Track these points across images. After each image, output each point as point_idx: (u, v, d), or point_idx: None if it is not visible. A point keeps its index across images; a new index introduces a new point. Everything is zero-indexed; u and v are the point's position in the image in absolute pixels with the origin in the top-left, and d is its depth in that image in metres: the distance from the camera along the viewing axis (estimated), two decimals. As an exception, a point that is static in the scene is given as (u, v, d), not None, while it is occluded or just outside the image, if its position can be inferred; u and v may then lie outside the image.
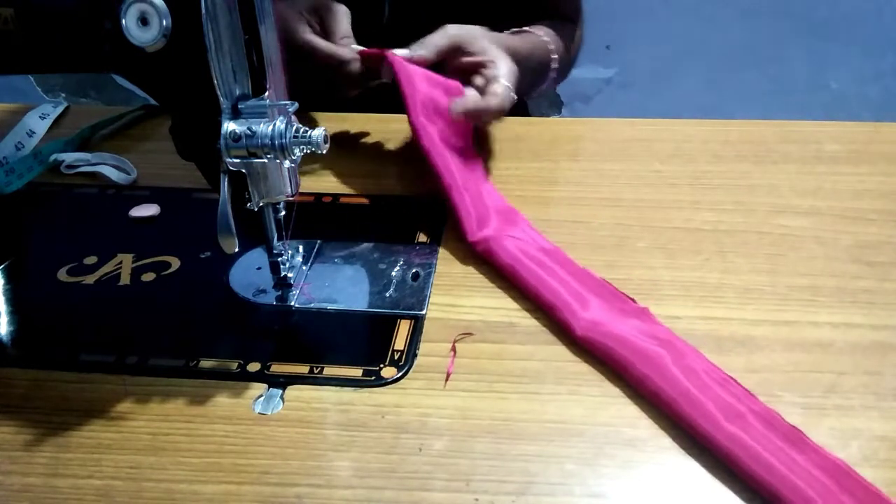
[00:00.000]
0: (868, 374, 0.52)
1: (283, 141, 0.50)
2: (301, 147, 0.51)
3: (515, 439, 0.48)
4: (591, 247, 0.63)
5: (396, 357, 0.54)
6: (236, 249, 0.52)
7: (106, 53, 0.50)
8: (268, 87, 0.52)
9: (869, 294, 0.58)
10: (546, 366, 0.53)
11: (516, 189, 0.70)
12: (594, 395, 0.51)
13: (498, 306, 0.58)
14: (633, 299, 0.57)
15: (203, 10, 0.47)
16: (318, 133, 0.51)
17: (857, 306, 0.57)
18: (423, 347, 0.55)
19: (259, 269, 0.62)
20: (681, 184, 0.71)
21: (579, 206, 0.68)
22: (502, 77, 0.69)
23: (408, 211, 0.68)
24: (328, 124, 0.72)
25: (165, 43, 0.48)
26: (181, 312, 0.60)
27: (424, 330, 0.56)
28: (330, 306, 0.59)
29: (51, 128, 0.82)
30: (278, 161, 0.51)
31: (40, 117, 0.83)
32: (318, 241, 0.64)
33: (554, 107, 1.94)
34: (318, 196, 0.71)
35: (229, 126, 0.50)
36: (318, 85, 0.72)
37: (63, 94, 2.04)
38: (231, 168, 0.51)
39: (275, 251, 0.58)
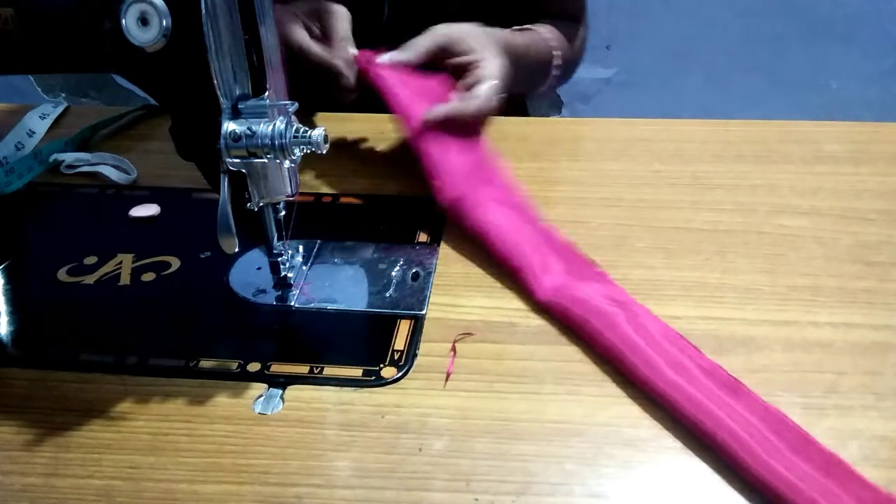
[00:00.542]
0: (868, 374, 0.52)
1: (283, 141, 0.50)
2: (301, 147, 0.51)
3: (515, 439, 0.48)
4: (591, 247, 0.63)
5: (396, 357, 0.54)
6: (236, 249, 0.52)
7: (106, 53, 0.50)
8: (268, 87, 0.52)
9: (869, 294, 0.58)
10: (546, 366, 0.53)
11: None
12: (594, 395, 0.51)
13: (498, 306, 0.58)
14: (594, 262, 0.60)
15: (203, 10, 0.47)
16: (318, 133, 0.51)
17: (857, 306, 0.57)
18: (423, 347, 0.55)
19: (259, 269, 0.62)
20: (681, 184, 0.70)
21: (579, 206, 0.68)
22: (488, 77, 0.68)
23: (408, 211, 0.68)
24: (328, 124, 0.72)
25: (165, 43, 0.48)
26: (181, 312, 0.60)
27: (424, 330, 0.56)
28: (330, 306, 0.59)
29: (51, 128, 0.82)
30: (278, 161, 0.51)
31: (40, 117, 0.83)
32: (318, 241, 0.64)
33: (554, 107, 1.94)
34: (318, 196, 0.71)
35: (229, 126, 0.50)
36: (314, 88, 0.71)
37: (63, 94, 2.04)
38: (231, 168, 0.51)
39: (275, 251, 0.58)
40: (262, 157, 0.51)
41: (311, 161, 0.74)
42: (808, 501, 0.43)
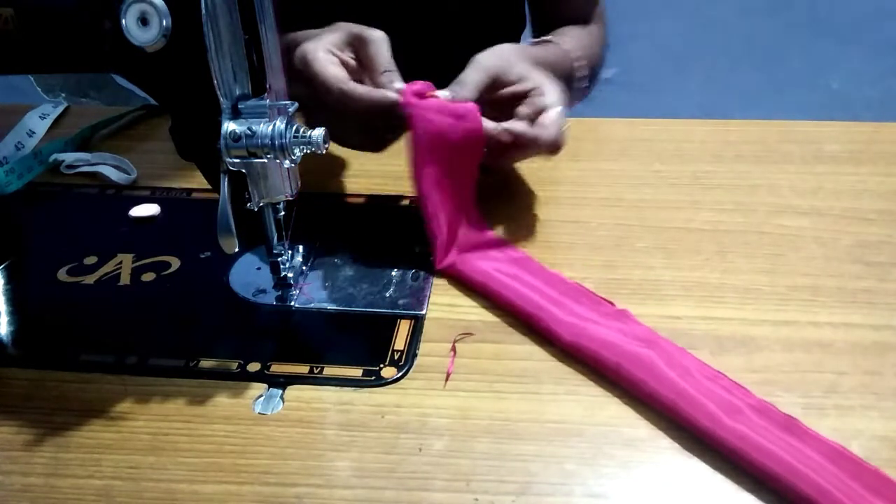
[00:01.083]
0: (868, 374, 0.52)
1: (283, 141, 0.50)
2: (301, 147, 0.51)
3: (515, 439, 0.48)
4: (590, 247, 0.63)
5: (396, 357, 0.54)
6: (236, 249, 0.52)
7: (106, 53, 0.50)
8: (268, 87, 0.52)
9: (869, 294, 0.58)
10: (546, 366, 0.53)
11: (517, 189, 0.70)
12: (594, 395, 0.51)
13: (498, 306, 0.58)
14: (610, 302, 0.57)
15: (203, 10, 0.47)
16: (318, 133, 0.51)
17: (857, 306, 0.57)
18: (423, 347, 0.55)
19: (259, 269, 0.62)
20: (681, 184, 0.70)
21: (579, 206, 0.68)
22: (552, 104, 0.62)
23: (408, 211, 0.68)
24: (328, 124, 0.72)
25: (165, 43, 0.48)
26: (181, 312, 0.60)
27: (424, 330, 0.56)
28: (330, 306, 0.59)
29: (51, 128, 0.82)
30: (278, 161, 0.51)
31: (40, 117, 0.83)
32: (318, 241, 0.64)
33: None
34: (319, 196, 0.71)
35: (229, 126, 0.50)
36: (358, 130, 0.65)
37: (63, 94, 2.05)
38: (231, 168, 0.51)
39: (275, 251, 0.58)
40: (262, 157, 0.51)
41: (311, 161, 0.74)
42: None
